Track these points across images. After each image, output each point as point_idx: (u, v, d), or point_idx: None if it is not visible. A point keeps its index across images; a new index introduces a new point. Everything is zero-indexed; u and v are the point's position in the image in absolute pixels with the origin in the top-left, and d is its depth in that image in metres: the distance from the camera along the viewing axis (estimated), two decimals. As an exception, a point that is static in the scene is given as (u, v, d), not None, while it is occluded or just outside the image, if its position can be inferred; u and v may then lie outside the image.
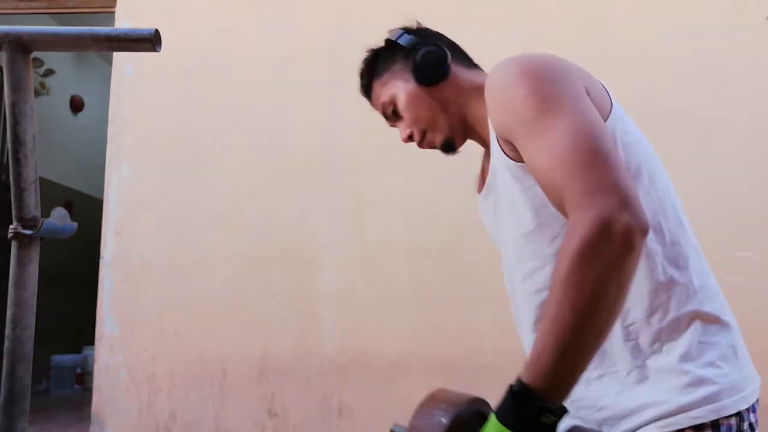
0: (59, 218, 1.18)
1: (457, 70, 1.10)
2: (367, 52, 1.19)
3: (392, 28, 1.17)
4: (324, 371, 2.32)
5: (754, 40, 2.37)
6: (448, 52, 1.09)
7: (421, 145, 1.14)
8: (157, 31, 1.09)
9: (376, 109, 1.18)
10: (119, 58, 2.69)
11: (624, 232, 0.72)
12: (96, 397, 2.46)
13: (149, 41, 1.02)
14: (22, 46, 1.12)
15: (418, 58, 1.08)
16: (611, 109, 0.95)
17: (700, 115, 2.33)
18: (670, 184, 1.01)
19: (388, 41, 1.16)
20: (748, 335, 2.04)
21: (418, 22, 1.19)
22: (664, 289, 0.92)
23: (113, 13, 2.69)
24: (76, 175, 4.93)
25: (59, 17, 4.26)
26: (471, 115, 1.09)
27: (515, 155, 0.92)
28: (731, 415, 0.86)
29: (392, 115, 1.15)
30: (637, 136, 1.00)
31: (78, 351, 4.63)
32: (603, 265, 0.71)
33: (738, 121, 2.32)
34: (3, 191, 3.68)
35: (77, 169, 4.93)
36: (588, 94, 0.90)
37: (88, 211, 3.72)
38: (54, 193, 4.58)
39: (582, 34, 2.45)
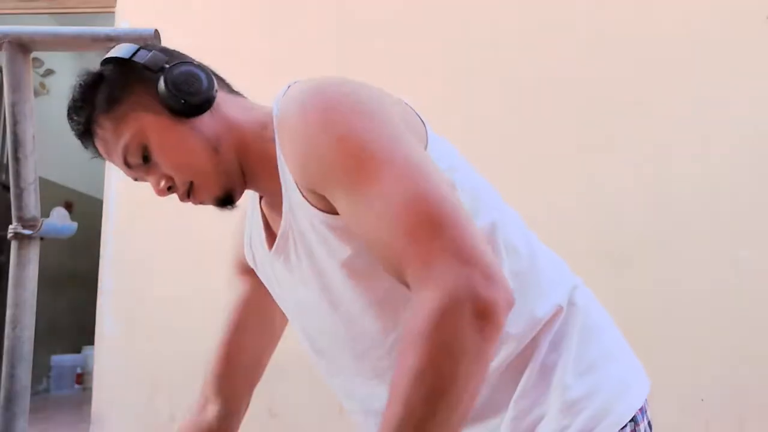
0: (59, 218, 1.18)
1: (223, 98, 0.84)
2: (81, 76, 0.85)
3: (121, 45, 0.86)
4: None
5: (754, 40, 2.37)
6: (210, 73, 0.82)
7: (185, 198, 0.85)
8: (156, 31, 1.09)
9: (108, 156, 0.84)
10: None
11: (486, 315, 0.60)
12: (96, 397, 2.46)
13: (149, 41, 1.02)
14: (22, 46, 1.12)
15: (172, 80, 0.78)
16: (427, 142, 0.77)
17: (700, 114, 2.33)
18: (498, 194, 0.84)
19: (116, 60, 0.83)
20: (749, 335, 2.03)
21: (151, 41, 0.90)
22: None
23: (113, 13, 2.69)
24: (76, 175, 4.93)
25: (59, 17, 4.25)
26: (250, 155, 0.82)
27: (325, 206, 0.73)
28: None
29: (141, 162, 0.82)
30: (460, 164, 0.80)
31: (78, 351, 4.62)
32: (464, 356, 0.59)
33: (738, 120, 2.32)
34: (3, 191, 3.68)
35: (77, 169, 4.92)
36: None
37: (88, 211, 3.72)
38: (54, 193, 4.57)
39: (581, 34, 2.45)
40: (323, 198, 0.72)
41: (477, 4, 2.52)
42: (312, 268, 0.79)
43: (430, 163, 0.69)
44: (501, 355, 0.75)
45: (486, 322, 0.60)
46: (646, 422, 0.80)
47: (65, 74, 4.83)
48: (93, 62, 0.88)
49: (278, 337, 1.03)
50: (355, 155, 0.67)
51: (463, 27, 2.49)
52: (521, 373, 0.76)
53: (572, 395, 0.74)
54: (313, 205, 0.74)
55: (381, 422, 0.61)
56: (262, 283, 0.97)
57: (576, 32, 2.45)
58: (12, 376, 1.09)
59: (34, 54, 1.17)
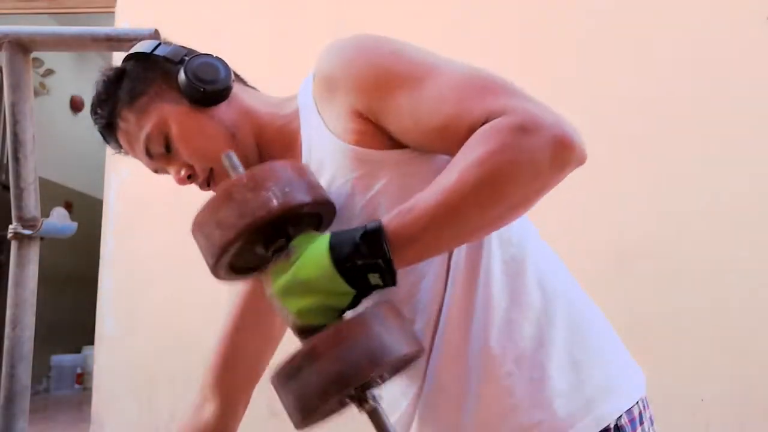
0: (59, 218, 1.18)
1: (238, 88, 0.88)
2: (105, 72, 0.90)
3: (143, 41, 0.92)
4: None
5: (754, 40, 2.37)
6: (227, 64, 0.86)
7: (205, 186, 0.87)
8: (156, 31, 1.09)
9: (130, 147, 0.89)
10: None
11: (567, 146, 0.62)
12: (96, 397, 2.46)
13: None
14: (22, 46, 1.12)
15: (192, 71, 0.83)
16: None
17: (700, 115, 2.33)
18: None
19: (137, 55, 0.88)
20: (749, 335, 2.03)
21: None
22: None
23: (113, 13, 2.69)
24: (76, 175, 4.93)
25: (59, 17, 4.25)
26: (267, 135, 0.86)
27: (360, 140, 0.75)
28: None
29: (163, 152, 0.86)
30: None
31: (78, 351, 4.62)
32: (529, 167, 0.62)
33: (738, 120, 2.32)
34: (3, 191, 3.68)
35: (77, 169, 4.93)
36: None
37: (88, 211, 3.71)
38: (54, 193, 4.57)
39: (581, 34, 2.45)
40: (367, 123, 0.74)
41: (477, 3, 2.52)
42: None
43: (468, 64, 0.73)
44: (484, 334, 0.74)
45: (562, 150, 0.62)
46: (640, 429, 0.76)
47: (65, 74, 4.83)
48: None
49: (279, 338, 1.03)
50: (409, 60, 0.72)
51: (464, 27, 2.49)
52: (499, 357, 0.73)
53: (552, 388, 0.72)
54: (345, 141, 0.75)
55: (433, 182, 0.65)
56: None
57: (573, 31, 2.45)
58: (12, 376, 1.09)
59: (34, 54, 1.17)
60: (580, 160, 0.65)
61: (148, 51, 0.87)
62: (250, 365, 1.01)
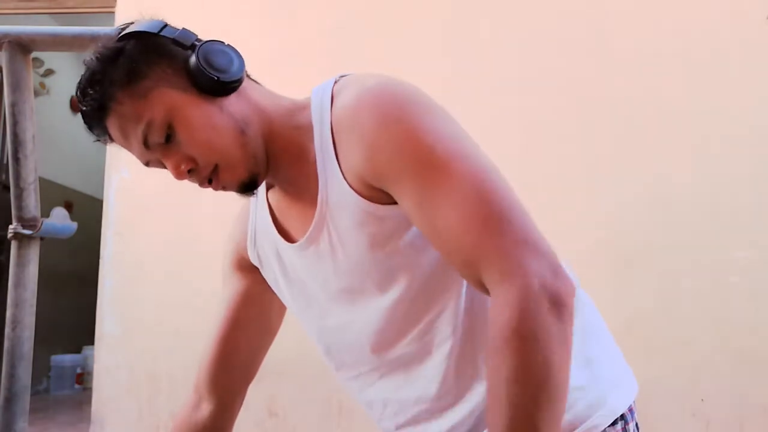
0: (59, 218, 1.18)
1: (248, 82, 0.84)
2: (99, 49, 0.80)
3: (138, 19, 0.85)
4: (324, 371, 2.31)
5: (754, 40, 2.37)
6: (239, 53, 0.81)
7: (206, 183, 0.81)
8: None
9: (123, 135, 0.79)
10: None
11: (561, 302, 0.65)
12: (96, 397, 2.46)
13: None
14: (22, 46, 1.12)
15: (205, 57, 0.77)
16: None
17: (700, 114, 2.33)
18: None
19: (139, 34, 0.80)
20: (749, 335, 2.03)
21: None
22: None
23: (113, 13, 2.69)
24: (76, 175, 4.93)
25: (59, 17, 4.25)
26: (277, 141, 0.81)
27: (373, 197, 0.75)
28: None
29: (162, 142, 0.78)
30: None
31: (78, 351, 4.62)
32: (552, 343, 0.63)
33: (737, 121, 2.32)
34: (3, 191, 3.68)
35: (77, 169, 4.92)
36: None
37: (88, 211, 3.71)
38: (54, 193, 4.57)
39: (581, 34, 2.45)
40: (377, 190, 0.74)
41: (476, 4, 2.52)
42: (348, 259, 0.79)
43: (489, 161, 0.73)
44: None
45: (561, 308, 0.65)
46: (634, 423, 0.82)
47: (65, 74, 4.83)
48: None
49: (274, 335, 1.03)
50: (427, 148, 0.70)
51: (464, 27, 2.48)
52: None
53: (572, 384, 0.75)
54: (360, 195, 0.75)
55: (489, 428, 0.64)
56: (260, 280, 0.96)
57: (572, 31, 2.45)
58: (12, 376, 1.09)
59: (34, 54, 1.17)
60: (573, 298, 0.67)
61: (155, 31, 0.80)
62: (246, 363, 1.00)
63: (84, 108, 0.80)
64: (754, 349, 2.17)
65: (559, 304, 0.65)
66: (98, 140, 0.84)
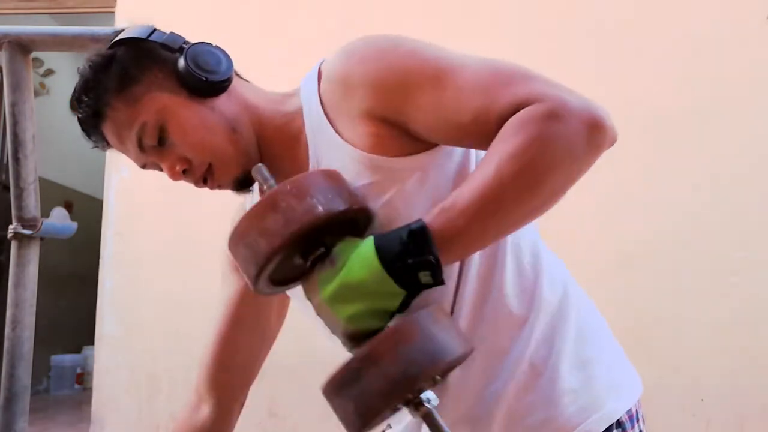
0: (59, 218, 1.18)
1: (237, 81, 0.84)
2: (92, 57, 0.82)
3: (131, 25, 0.86)
4: (324, 371, 2.31)
5: (754, 40, 2.37)
6: (227, 54, 0.82)
7: (201, 183, 0.82)
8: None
9: (119, 139, 0.81)
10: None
11: (599, 127, 0.63)
12: (96, 397, 2.46)
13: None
14: (22, 46, 1.12)
15: (193, 59, 0.79)
16: None
17: (700, 115, 2.33)
18: None
19: (129, 40, 0.82)
20: (749, 335, 2.02)
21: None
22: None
23: (113, 13, 2.69)
24: (76, 175, 4.93)
25: (59, 17, 4.25)
26: (268, 130, 0.82)
27: (376, 143, 0.74)
28: None
29: (156, 145, 0.80)
30: None
31: (78, 351, 4.62)
32: (566, 153, 0.62)
33: (737, 121, 2.32)
34: (3, 191, 3.68)
35: (77, 169, 4.92)
36: None
37: (88, 211, 3.71)
38: (54, 193, 4.57)
39: (580, 34, 2.45)
40: (385, 127, 0.73)
41: (478, 2, 2.52)
42: None
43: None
44: (500, 338, 0.76)
45: (595, 133, 0.63)
46: (636, 430, 0.79)
47: (65, 74, 4.83)
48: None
49: (275, 334, 1.02)
50: (433, 59, 0.71)
51: (464, 27, 2.49)
52: (512, 358, 0.75)
53: (564, 386, 0.74)
54: (355, 147, 0.74)
55: (469, 178, 0.65)
56: None
57: (572, 31, 2.45)
58: (12, 376, 1.09)
59: (34, 54, 1.17)
60: (612, 141, 0.66)
61: (143, 36, 0.81)
62: (247, 364, 0.99)
63: (80, 116, 0.82)
64: (754, 349, 2.17)
65: (594, 128, 0.63)
66: (96, 146, 0.86)
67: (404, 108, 0.71)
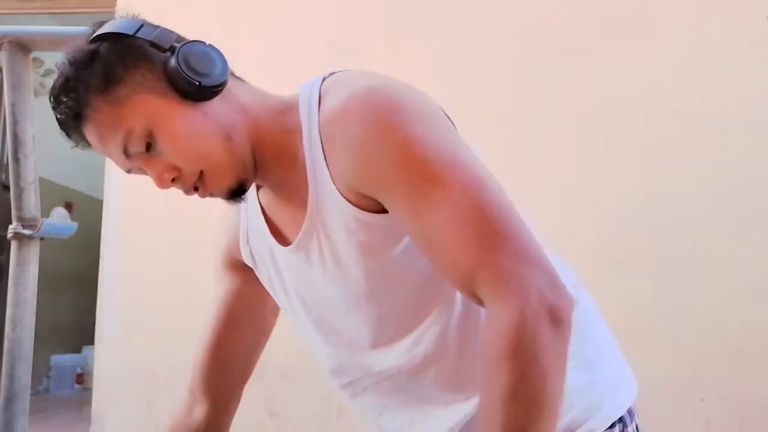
0: (59, 218, 1.18)
1: (233, 82, 0.78)
2: (72, 53, 0.77)
3: (116, 18, 0.80)
4: (323, 371, 2.32)
5: (754, 40, 2.37)
6: (222, 54, 0.76)
7: (191, 191, 0.78)
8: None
9: (101, 142, 0.76)
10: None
11: (560, 318, 0.63)
12: (96, 397, 2.46)
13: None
14: (22, 46, 1.12)
15: (185, 61, 0.72)
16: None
17: (699, 115, 2.33)
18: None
19: (114, 35, 0.75)
20: (749, 335, 2.02)
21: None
22: None
23: (113, 13, 2.69)
24: (76, 175, 4.93)
25: (59, 17, 4.25)
26: (266, 143, 0.78)
27: (365, 205, 0.72)
28: None
29: (142, 151, 0.74)
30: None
31: (78, 351, 4.62)
32: (549, 362, 0.62)
33: (737, 121, 2.32)
34: (3, 191, 3.68)
35: (77, 169, 4.92)
36: None
37: (88, 211, 3.71)
38: (54, 193, 4.57)
39: (580, 33, 2.45)
40: (367, 198, 0.71)
41: (476, 9, 2.52)
42: (338, 266, 0.77)
43: (485, 168, 0.70)
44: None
45: (560, 324, 0.63)
46: (634, 425, 0.81)
47: (65, 74, 4.82)
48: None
49: (268, 334, 1.01)
50: (420, 159, 0.67)
51: (463, 27, 2.48)
52: None
53: (570, 386, 0.74)
54: (350, 203, 0.72)
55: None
56: (252, 279, 0.94)
57: (571, 31, 2.45)
58: (12, 376, 1.09)
59: (34, 54, 1.17)
60: (572, 314, 0.65)
61: (130, 32, 0.74)
62: (240, 363, 0.98)
63: (59, 116, 0.77)
64: (754, 349, 2.17)
65: (558, 319, 0.63)
66: (76, 146, 0.81)
67: (380, 197, 0.71)
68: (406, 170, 0.67)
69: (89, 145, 0.79)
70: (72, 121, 0.76)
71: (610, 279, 2.21)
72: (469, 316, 0.77)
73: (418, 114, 0.71)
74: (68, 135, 0.79)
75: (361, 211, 0.72)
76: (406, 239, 0.74)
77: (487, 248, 0.64)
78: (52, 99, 0.77)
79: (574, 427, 0.75)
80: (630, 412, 0.81)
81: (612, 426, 0.77)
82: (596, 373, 0.79)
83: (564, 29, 2.46)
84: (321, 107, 0.75)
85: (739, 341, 2.17)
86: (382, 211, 0.72)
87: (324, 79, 0.78)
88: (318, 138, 0.74)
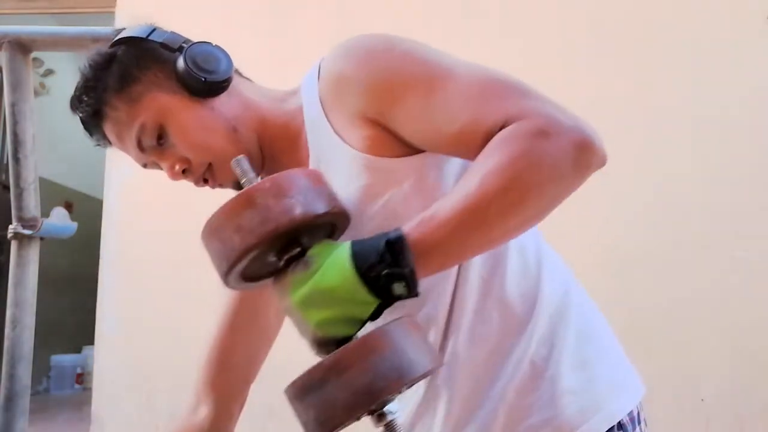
0: (59, 218, 1.18)
1: (238, 80, 0.84)
2: (92, 56, 0.83)
3: (132, 25, 0.87)
4: (324, 371, 2.31)
5: (754, 40, 2.37)
6: (227, 53, 0.82)
7: (201, 182, 0.83)
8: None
9: (119, 139, 0.83)
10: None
11: (587, 148, 0.62)
12: (96, 397, 2.46)
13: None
14: (22, 46, 1.12)
15: (192, 59, 0.79)
16: None
17: (699, 115, 2.33)
18: None
19: (129, 40, 0.83)
20: (749, 335, 2.03)
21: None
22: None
23: (113, 13, 2.69)
24: (76, 175, 4.93)
25: (59, 17, 4.25)
26: (269, 128, 0.82)
27: (370, 145, 0.73)
28: None
29: (155, 145, 0.81)
30: None
31: (78, 351, 4.62)
32: (551, 173, 0.61)
33: (737, 121, 2.32)
34: (3, 191, 3.68)
35: (77, 169, 4.92)
36: None
37: (88, 211, 3.71)
38: (54, 193, 4.57)
39: (579, 33, 2.45)
40: (375, 129, 0.72)
41: (480, 4, 2.52)
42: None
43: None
44: (502, 339, 0.75)
45: (583, 153, 0.62)
46: (638, 430, 0.78)
47: (65, 74, 4.83)
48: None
49: (274, 336, 1.01)
50: (423, 61, 0.70)
51: (463, 27, 2.48)
52: (513, 359, 0.75)
53: (564, 386, 0.74)
54: (352, 147, 0.73)
55: (452, 189, 0.64)
56: None
57: (571, 32, 2.45)
58: (12, 376, 1.09)
59: (34, 54, 1.17)
60: (601, 163, 0.64)
61: (143, 36, 0.82)
62: (245, 365, 0.99)
63: (80, 115, 0.83)
64: (754, 349, 2.17)
65: (582, 149, 0.62)
66: (99, 145, 0.87)
67: (392, 111, 0.71)
68: (412, 72, 0.69)
69: (110, 143, 0.86)
70: (92, 119, 0.83)
71: (610, 279, 2.21)
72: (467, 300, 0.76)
73: (408, 40, 0.74)
74: (90, 133, 0.86)
75: (363, 154, 0.73)
76: (407, 185, 0.73)
77: (515, 97, 0.65)
78: (74, 100, 0.83)
79: (567, 429, 0.72)
80: (632, 418, 0.77)
81: (609, 431, 0.74)
82: (594, 375, 0.76)
83: (563, 28, 2.46)
84: (320, 77, 0.78)
85: (739, 341, 2.17)
86: (387, 155, 0.73)
87: (321, 60, 0.81)
88: (318, 102, 0.77)
